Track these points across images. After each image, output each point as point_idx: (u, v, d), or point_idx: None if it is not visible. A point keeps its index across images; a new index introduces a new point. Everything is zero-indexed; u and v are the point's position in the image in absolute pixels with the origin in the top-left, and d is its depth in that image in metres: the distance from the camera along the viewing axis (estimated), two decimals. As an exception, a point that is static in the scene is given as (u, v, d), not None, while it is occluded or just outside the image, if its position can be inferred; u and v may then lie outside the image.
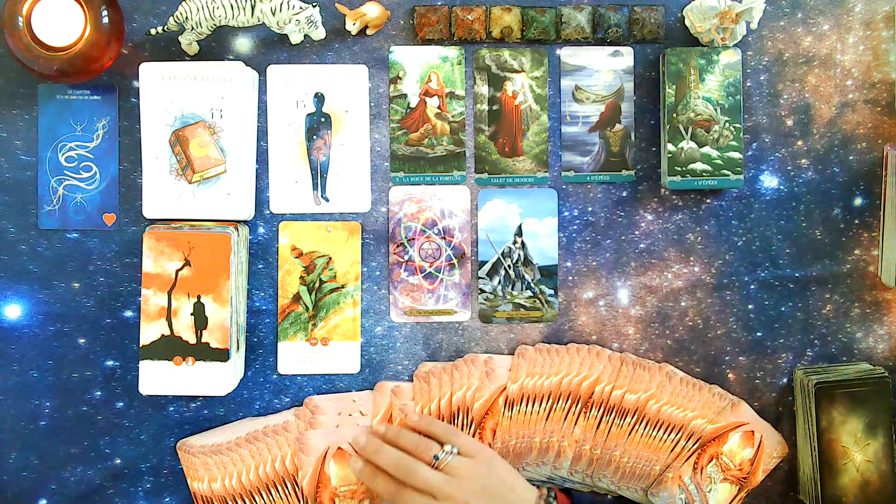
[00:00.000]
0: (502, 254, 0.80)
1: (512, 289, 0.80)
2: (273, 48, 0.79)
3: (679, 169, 0.77)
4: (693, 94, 0.77)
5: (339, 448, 0.78)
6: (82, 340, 0.79)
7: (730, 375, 0.82)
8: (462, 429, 0.78)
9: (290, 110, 0.79)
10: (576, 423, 0.78)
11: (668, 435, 0.78)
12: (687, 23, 0.80)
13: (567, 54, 0.80)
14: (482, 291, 0.80)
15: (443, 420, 0.78)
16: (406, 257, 0.80)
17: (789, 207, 0.81)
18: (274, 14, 0.74)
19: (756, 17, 0.78)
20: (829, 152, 0.81)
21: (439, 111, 0.80)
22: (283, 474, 0.78)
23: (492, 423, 0.78)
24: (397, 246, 0.80)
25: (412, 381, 0.80)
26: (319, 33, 0.77)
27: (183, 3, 0.74)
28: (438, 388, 0.78)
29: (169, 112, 0.76)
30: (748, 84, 0.81)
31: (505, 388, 0.78)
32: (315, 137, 0.79)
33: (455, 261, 0.80)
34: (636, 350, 0.81)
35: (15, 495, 0.79)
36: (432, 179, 0.80)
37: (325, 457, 0.77)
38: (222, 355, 0.74)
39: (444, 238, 0.80)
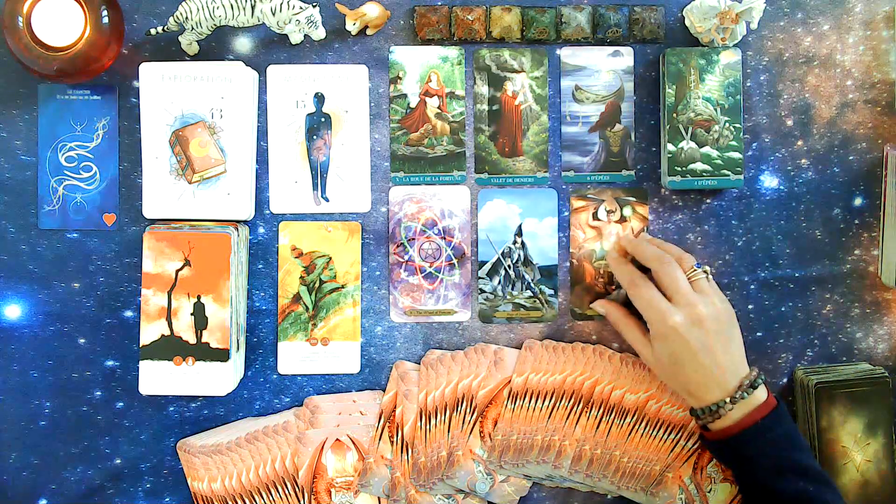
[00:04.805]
0: (502, 254, 0.80)
1: (512, 289, 0.80)
2: (273, 48, 0.79)
3: (679, 169, 0.77)
4: (693, 94, 0.77)
5: (337, 440, 0.78)
6: (82, 340, 0.79)
7: (730, 375, 0.82)
8: (464, 417, 0.78)
9: (290, 110, 0.79)
10: (577, 423, 0.78)
11: (668, 435, 0.78)
12: (687, 23, 0.80)
13: (567, 54, 0.80)
14: (482, 291, 0.80)
15: (446, 408, 0.78)
16: (406, 257, 0.80)
17: (789, 207, 0.81)
18: (274, 14, 0.74)
19: (756, 17, 0.78)
20: (829, 152, 0.81)
21: (439, 111, 0.80)
22: (283, 474, 0.78)
23: (494, 413, 0.78)
24: (397, 246, 0.80)
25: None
26: (319, 33, 0.77)
27: (183, 3, 0.74)
28: (446, 375, 0.78)
29: (169, 112, 0.76)
30: (748, 84, 0.81)
31: (510, 380, 0.78)
32: (315, 137, 0.79)
33: (455, 261, 0.80)
34: (636, 350, 0.81)
35: (15, 495, 0.79)
36: (432, 179, 0.80)
37: (322, 447, 0.78)
38: (222, 355, 0.74)
39: (444, 238, 0.80)
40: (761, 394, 0.71)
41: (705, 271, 0.73)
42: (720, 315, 0.72)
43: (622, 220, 0.80)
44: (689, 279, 0.72)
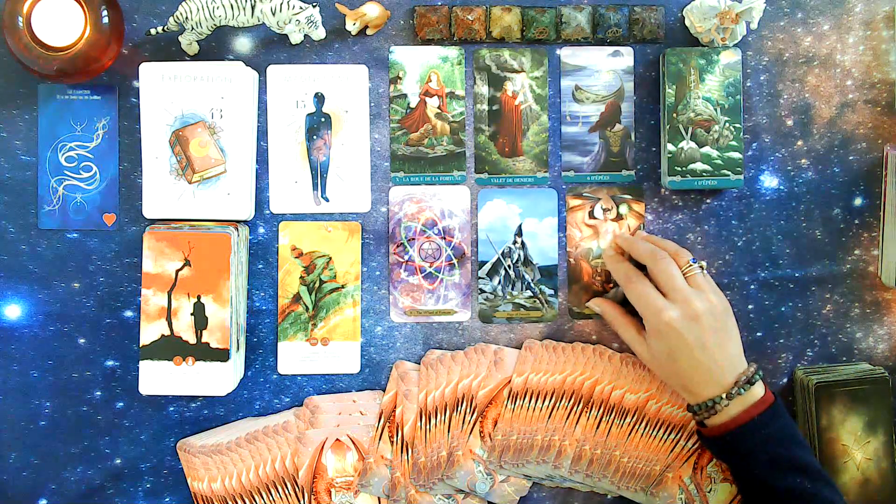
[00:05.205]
0: (502, 254, 0.80)
1: (512, 289, 0.80)
2: (273, 48, 0.79)
3: (679, 169, 0.77)
4: (693, 94, 0.77)
5: (337, 440, 0.78)
6: (82, 340, 0.79)
7: (730, 375, 0.82)
8: (464, 417, 0.78)
9: (290, 110, 0.79)
10: (577, 423, 0.78)
11: (668, 435, 0.78)
12: (687, 23, 0.80)
13: (567, 54, 0.80)
14: (482, 291, 0.80)
15: (446, 408, 0.78)
16: (406, 257, 0.80)
17: (789, 207, 0.81)
18: (274, 14, 0.74)
19: (756, 17, 0.78)
20: (829, 152, 0.81)
21: (439, 111, 0.80)
22: (283, 474, 0.78)
23: (494, 413, 0.78)
24: (397, 246, 0.80)
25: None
26: (319, 33, 0.77)
27: (183, 3, 0.74)
28: (446, 375, 0.78)
29: (169, 112, 0.76)
30: (748, 84, 0.81)
31: (510, 380, 0.78)
32: (315, 137, 0.79)
33: (455, 261, 0.80)
34: (636, 350, 0.81)
35: (15, 495, 0.79)
36: (432, 179, 0.80)
37: (322, 447, 0.78)
38: (222, 355, 0.74)
39: (444, 238, 0.80)
40: (758, 390, 0.71)
41: (701, 266, 0.73)
42: (716, 310, 0.72)
43: (618, 217, 0.80)
44: (684, 275, 0.73)
